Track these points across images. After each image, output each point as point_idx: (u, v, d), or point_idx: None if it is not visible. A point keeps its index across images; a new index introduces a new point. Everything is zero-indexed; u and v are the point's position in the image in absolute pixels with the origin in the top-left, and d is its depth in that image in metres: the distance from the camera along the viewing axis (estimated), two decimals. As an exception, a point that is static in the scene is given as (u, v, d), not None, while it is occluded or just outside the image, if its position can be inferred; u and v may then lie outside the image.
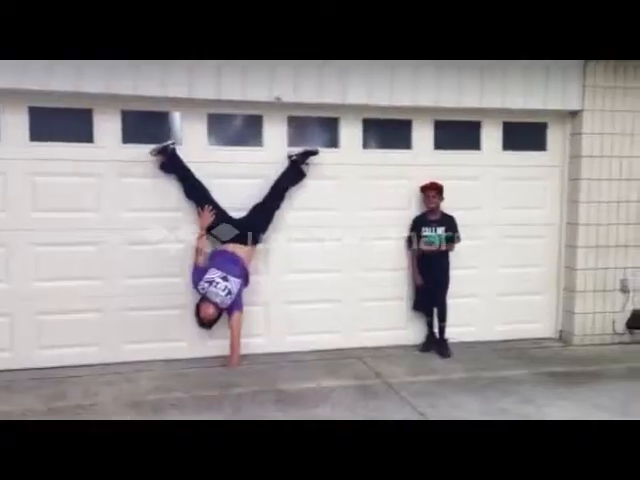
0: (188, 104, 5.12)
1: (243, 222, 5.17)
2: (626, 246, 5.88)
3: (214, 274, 4.90)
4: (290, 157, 5.34)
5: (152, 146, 5.03)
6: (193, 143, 5.23)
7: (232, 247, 5.07)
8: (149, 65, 4.82)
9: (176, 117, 5.24)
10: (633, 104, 5.80)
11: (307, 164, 5.38)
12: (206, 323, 4.94)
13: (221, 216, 5.13)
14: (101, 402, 4.30)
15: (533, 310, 6.02)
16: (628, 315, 5.88)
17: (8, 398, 4.35)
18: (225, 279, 4.89)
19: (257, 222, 5.23)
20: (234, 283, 4.93)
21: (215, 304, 4.88)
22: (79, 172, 5.00)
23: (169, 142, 5.06)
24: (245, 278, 5.09)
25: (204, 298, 4.90)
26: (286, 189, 5.35)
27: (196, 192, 5.15)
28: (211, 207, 5.08)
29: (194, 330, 5.12)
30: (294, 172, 5.35)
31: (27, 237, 4.93)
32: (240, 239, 5.10)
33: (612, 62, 5.71)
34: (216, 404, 4.28)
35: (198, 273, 4.95)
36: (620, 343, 5.85)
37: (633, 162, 5.85)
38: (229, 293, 4.90)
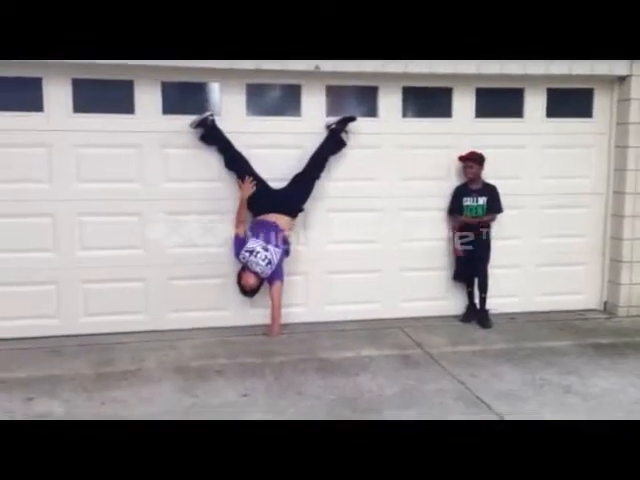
0: (227, 75, 5.11)
1: (283, 193, 5.18)
2: (675, 216, 5.70)
3: (255, 244, 4.93)
4: (329, 126, 5.31)
5: (192, 117, 5.05)
6: (232, 114, 5.23)
7: (273, 217, 5.08)
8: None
9: (215, 88, 5.25)
10: (686, 68, 5.57)
11: (346, 132, 5.34)
12: (248, 292, 5.00)
13: (261, 187, 5.14)
14: (147, 367, 4.40)
15: (577, 281, 5.92)
16: (674, 287, 5.73)
17: (59, 363, 4.49)
18: (265, 249, 4.92)
19: (297, 192, 5.22)
20: (274, 253, 4.96)
21: (256, 273, 4.93)
22: (121, 143, 5.06)
23: (208, 114, 5.07)
24: (286, 248, 5.11)
25: (245, 267, 4.95)
26: (326, 159, 5.33)
27: (236, 163, 5.17)
28: (251, 178, 5.10)
29: (237, 299, 5.19)
30: (334, 141, 5.32)
31: (72, 207, 5.03)
32: (280, 209, 5.11)
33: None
34: (259, 371, 4.34)
35: (239, 243, 4.99)
36: (664, 317, 5.72)
37: (684, 129, 5.64)
38: (269, 263, 4.93)
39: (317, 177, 5.31)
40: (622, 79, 5.62)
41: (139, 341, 4.95)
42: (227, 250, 5.17)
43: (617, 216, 5.76)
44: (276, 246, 4.98)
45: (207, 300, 5.29)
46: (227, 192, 5.23)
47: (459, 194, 5.52)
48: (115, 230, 5.12)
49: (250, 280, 4.94)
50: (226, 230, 5.18)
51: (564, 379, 4.23)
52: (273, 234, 5.01)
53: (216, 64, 4.93)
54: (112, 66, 4.81)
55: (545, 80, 5.62)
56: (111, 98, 5.06)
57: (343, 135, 5.34)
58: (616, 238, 5.77)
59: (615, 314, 5.75)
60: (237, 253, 5.00)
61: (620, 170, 5.71)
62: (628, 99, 5.59)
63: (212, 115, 5.09)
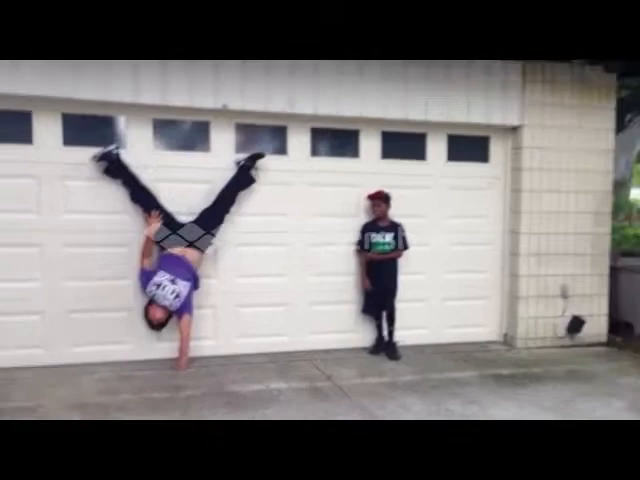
0: (133, 109, 5.08)
1: (192, 226, 5.13)
2: (566, 254, 6.11)
3: (162, 277, 4.83)
4: (238, 162, 5.36)
5: (96, 150, 4.96)
6: (139, 147, 5.18)
7: (181, 250, 5.01)
8: (90, 67, 4.78)
9: (121, 121, 5.18)
10: (569, 120, 6.08)
11: (256, 169, 5.40)
12: (156, 325, 4.87)
13: (169, 220, 5.07)
14: (44, 404, 4.14)
15: (479, 314, 6.17)
16: (568, 320, 6.08)
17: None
18: (174, 282, 4.82)
19: (206, 226, 5.19)
20: (183, 286, 4.87)
21: (164, 307, 4.82)
22: (19, 173, 4.89)
23: (112, 147, 5.00)
24: (195, 281, 5.03)
25: (152, 301, 4.82)
26: (235, 194, 5.34)
27: (142, 196, 5.09)
28: (158, 212, 5.02)
29: (143, 332, 5.04)
30: (243, 177, 5.36)
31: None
32: (189, 243, 5.05)
33: (549, 79, 5.99)
34: (164, 406, 4.18)
35: (146, 276, 4.87)
36: (561, 347, 6.03)
37: (570, 175, 6.11)
38: (177, 296, 4.83)
39: (227, 211, 5.31)
40: (515, 129, 6.05)
41: (37, 377, 4.67)
42: (133, 283, 5.02)
43: (514, 254, 6.09)
44: (185, 279, 4.89)
45: (111, 334, 5.09)
46: (133, 225, 5.12)
47: (367, 230, 5.67)
48: (14, 261, 4.87)
49: (157, 314, 4.82)
50: (131, 263, 5.04)
51: (467, 409, 4.33)
52: (181, 267, 4.93)
53: (121, 98, 4.90)
54: (9, 96, 4.67)
55: (446, 126, 5.95)
56: (9, 128, 4.88)
57: (252, 171, 5.39)
58: (513, 274, 6.10)
59: (514, 346, 6.02)
60: (144, 286, 4.86)
61: (515, 212, 6.09)
62: (520, 147, 6.02)
63: (117, 148, 5.02)
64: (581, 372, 5.30)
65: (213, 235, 5.22)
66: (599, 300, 6.20)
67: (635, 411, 4.41)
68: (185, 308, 4.93)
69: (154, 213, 5.00)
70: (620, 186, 13.69)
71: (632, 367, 5.47)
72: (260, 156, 5.39)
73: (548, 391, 4.77)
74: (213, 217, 5.24)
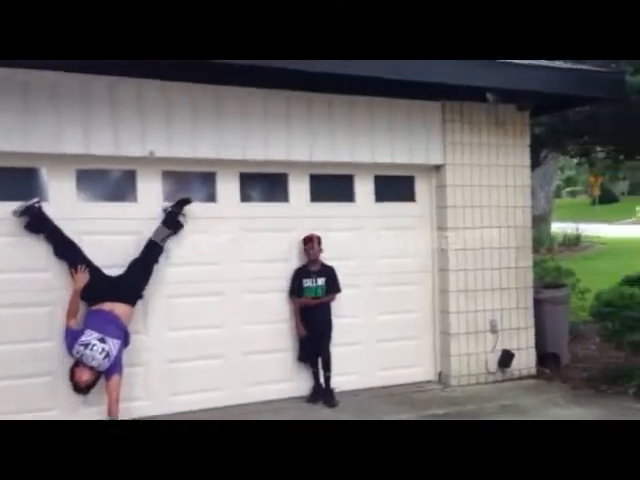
0: (54, 159, 4.93)
1: (120, 280, 4.98)
2: (492, 289, 6.29)
3: (90, 336, 4.62)
4: (165, 210, 5.26)
5: (15, 204, 4.76)
6: (61, 199, 5.01)
7: (109, 305, 4.83)
8: (8, 115, 4.61)
9: (42, 172, 5.01)
10: (488, 158, 6.32)
11: (183, 215, 5.31)
12: (83, 388, 4.62)
13: (96, 274, 4.90)
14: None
15: (412, 354, 6.22)
16: (499, 354, 6.23)
17: None
18: (102, 341, 4.63)
19: (135, 279, 5.05)
20: (113, 344, 4.68)
21: (92, 368, 4.59)
22: None
23: (33, 201, 4.81)
24: (125, 338, 4.85)
25: (79, 362, 4.60)
26: (163, 241, 5.23)
27: (67, 251, 4.91)
28: (84, 266, 4.85)
29: (67, 397, 4.78)
30: (170, 223, 5.25)
31: None
32: (117, 297, 4.88)
33: (467, 119, 6.22)
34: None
35: (72, 335, 4.64)
36: (494, 382, 6.16)
37: (492, 211, 6.33)
38: (107, 355, 4.63)
39: (155, 261, 5.19)
40: (438, 168, 6.23)
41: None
42: (56, 345, 4.80)
43: (443, 291, 6.22)
44: (115, 337, 4.71)
45: (31, 401, 4.80)
46: (58, 282, 4.93)
47: (299, 276, 5.66)
48: None
49: (84, 376, 4.59)
50: (55, 323, 4.83)
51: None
52: (111, 324, 4.75)
53: (42, 149, 4.75)
54: None
55: (372, 167, 6.07)
56: None
57: (180, 218, 5.30)
58: (444, 311, 6.22)
59: (448, 384, 6.10)
60: (70, 347, 4.63)
61: (442, 249, 6.23)
62: (444, 185, 6.20)
63: (38, 202, 4.83)
64: (514, 407, 5.44)
65: (142, 288, 5.08)
66: (526, 333, 6.40)
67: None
68: (115, 368, 4.73)
69: (80, 267, 4.82)
70: (541, 220, 14.36)
71: (561, 397, 5.65)
72: (187, 202, 5.31)
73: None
74: (142, 269, 5.11)
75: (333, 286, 5.67)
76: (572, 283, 7.49)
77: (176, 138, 5.18)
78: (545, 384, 6.12)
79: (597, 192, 26.78)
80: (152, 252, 5.17)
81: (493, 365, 6.22)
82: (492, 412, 5.29)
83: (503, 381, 6.18)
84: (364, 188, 6.13)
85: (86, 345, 4.59)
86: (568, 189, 39.19)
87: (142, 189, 5.29)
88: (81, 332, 4.66)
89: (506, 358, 6.18)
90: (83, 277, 4.81)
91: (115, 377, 4.75)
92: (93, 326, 4.69)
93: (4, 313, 4.79)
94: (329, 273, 5.69)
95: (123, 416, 4.84)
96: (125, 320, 4.88)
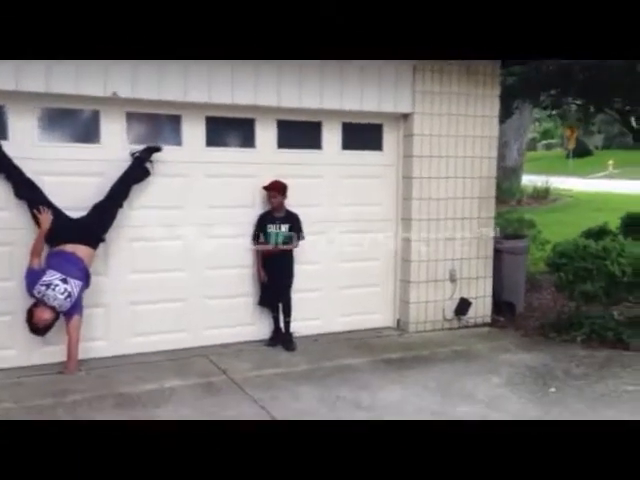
0: (14, 97, 4.82)
1: (82, 222, 4.97)
2: (454, 239, 6.41)
3: (52, 276, 4.66)
4: (133, 154, 5.22)
5: None
6: (21, 138, 4.93)
7: (71, 247, 4.83)
8: None
9: (3, 110, 4.91)
10: (456, 108, 6.33)
11: (151, 162, 5.29)
12: (41, 329, 4.67)
13: (57, 216, 4.88)
14: None
15: (373, 301, 6.37)
16: (456, 303, 6.41)
17: None
18: (65, 281, 4.67)
19: (98, 221, 5.04)
20: (74, 285, 4.72)
21: (52, 308, 4.65)
22: None
23: None
24: (86, 280, 4.89)
25: (39, 302, 4.64)
26: (129, 187, 5.22)
27: (27, 191, 4.88)
28: (45, 207, 4.83)
29: (26, 337, 4.82)
30: (137, 169, 5.23)
31: None
32: (79, 239, 4.89)
33: (438, 68, 6.19)
34: (49, 412, 4.09)
35: (34, 276, 4.67)
36: (449, 329, 6.36)
37: (458, 161, 6.38)
38: (69, 296, 4.68)
39: (120, 205, 5.18)
40: (406, 116, 6.23)
41: None
42: (16, 284, 4.82)
43: (405, 240, 6.32)
44: (76, 278, 4.75)
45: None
46: (17, 222, 4.90)
47: (263, 221, 5.70)
48: None
49: (44, 315, 4.64)
50: (15, 263, 4.83)
51: (357, 395, 4.53)
52: (73, 265, 4.78)
53: (1, 86, 4.64)
54: None
55: (339, 115, 6.04)
56: None
57: (148, 164, 5.27)
58: (405, 260, 6.33)
59: (406, 330, 6.28)
60: (31, 287, 4.67)
61: (407, 199, 6.30)
62: (411, 134, 6.21)
63: None
64: (465, 352, 5.64)
65: (105, 230, 5.08)
66: (484, 282, 6.56)
67: (509, 386, 4.79)
68: (75, 309, 4.79)
69: (43, 209, 4.79)
70: (512, 172, 14.46)
71: (512, 344, 5.87)
72: (156, 149, 5.29)
73: (433, 372, 5.06)
74: (105, 211, 5.10)
75: (296, 234, 5.73)
76: (533, 235, 7.65)
77: (141, 79, 5.08)
78: (498, 332, 6.34)
79: (572, 145, 26.93)
80: (117, 195, 5.14)
81: (450, 313, 6.40)
82: (444, 357, 5.50)
83: (459, 328, 6.37)
84: (332, 136, 6.12)
85: (48, 285, 4.62)
86: (544, 142, 39.31)
87: (106, 130, 5.22)
88: (43, 272, 4.68)
89: (463, 306, 6.36)
90: (48, 218, 4.79)
91: (76, 317, 4.82)
92: (55, 267, 4.71)
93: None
94: (293, 220, 5.73)
95: (83, 356, 4.94)
96: (87, 262, 4.90)
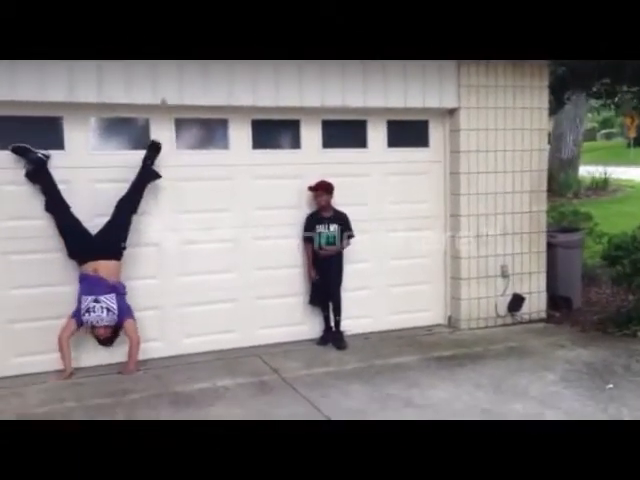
0: (70, 108, 5.02)
1: (101, 237, 5.02)
2: (504, 234, 6.29)
3: (85, 302, 4.86)
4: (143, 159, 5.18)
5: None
6: (76, 148, 5.13)
7: (93, 266, 4.91)
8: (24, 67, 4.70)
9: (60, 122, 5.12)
10: (503, 101, 6.21)
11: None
12: (105, 341, 4.95)
13: (82, 234, 4.99)
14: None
15: (423, 299, 6.31)
16: (509, 299, 6.28)
17: None
18: (97, 301, 4.86)
19: (115, 234, 5.06)
20: (108, 300, 4.90)
21: (105, 326, 4.89)
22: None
23: (42, 152, 4.92)
24: (117, 290, 4.98)
25: (94, 326, 4.90)
26: (141, 192, 5.19)
27: (56, 206, 4.99)
28: (68, 222, 4.97)
29: (86, 337, 5.04)
30: (146, 173, 5.18)
31: None
32: (101, 255, 4.95)
33: (483, 62, 6.09)
34: (109, 411, 4.24)
35: (76, 311, 4.92)
36: (503, 325, 6.24)
37: (507, 155, 6.27)
38: (109, 310, 4.88)
39: (134, 211, 5.18)
40: (452, 111, 6.16)
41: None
42: (72, 289, 5.01)
43: (455, 237, 6.24)
44: (106, 293, 4.89)
45: (52, 342, 5.00)
46: (51, 230, 5.03)
47: (312, 221, 5.73)
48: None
49: (101, 331, 4.91)
50: (51, 268, 5.07)
51: (407, 392, 4.51)
52: (97, 286, 4.88)
53: (57, 97, 4.85)
54: None
55: (384, 113, 6.02)
56: None
57: (155, 168, 5.22)
58: (455, 257, 6.25)
59: (458, 327, 6.20)
60: (79, 320, 4.91)
61: (455, 194, 6.22)
62: (458, 129, 6.13)
63: (46, 156, 4.96)
64: (520, 349, 5.52)
65: (124, 239, 5.11)
66: (538, 277, 6.42)
67: (564, 382, 4.67)
68: (124, 315, 4.96)
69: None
70: (568, 164, 14.04)
71: (568, 340, 5.71)
72: (157, 146, 5.18)
73: (486, 369, 4.98)
74: (121, 222, 5.10)
75: (346, 232, 5.74)
76: (590, 227, 7.42)
77: (187, 85, 5.20)
78: (554, 327, 6.18)
79: (633, 134, 25.85)
80: (130, 204, 5.14)
81: (503, 309, 6.28)
82: (497, 354, 5.40)
83: (513, 324, 6.25)
84: (377, 134, 6.11)
85: (87, 311, 4.84)
86: (604, 131, 37.97)
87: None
88: (79, 303, 4.88)
89: (516, 302, 6.24)
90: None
91: (129, 321, 4.98)
92: (85, 292, 4.89)
93: (23, 259, 5.00)
94: (342, 219, 5.75)
95: (141, 357, 5.10)
96: (111, 275, 4.97)
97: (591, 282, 7.34)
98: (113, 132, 5.34)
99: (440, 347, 5.63)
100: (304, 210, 5.82)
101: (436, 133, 6.31)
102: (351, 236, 5.77)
